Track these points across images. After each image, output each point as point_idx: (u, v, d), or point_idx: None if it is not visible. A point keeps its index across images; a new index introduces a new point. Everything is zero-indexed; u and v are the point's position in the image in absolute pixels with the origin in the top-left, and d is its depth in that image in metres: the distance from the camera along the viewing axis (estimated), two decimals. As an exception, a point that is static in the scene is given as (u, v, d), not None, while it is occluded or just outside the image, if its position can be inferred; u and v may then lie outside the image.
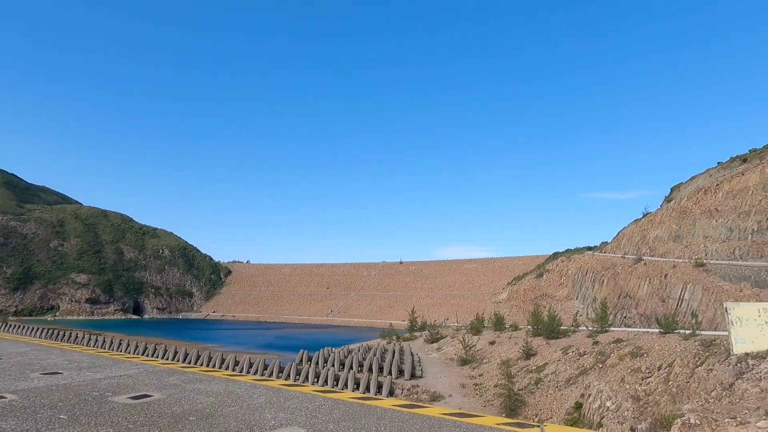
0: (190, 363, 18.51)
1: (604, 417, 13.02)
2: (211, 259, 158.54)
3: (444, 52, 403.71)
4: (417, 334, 42.70)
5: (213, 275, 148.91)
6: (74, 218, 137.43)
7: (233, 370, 18.90)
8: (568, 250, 63.93)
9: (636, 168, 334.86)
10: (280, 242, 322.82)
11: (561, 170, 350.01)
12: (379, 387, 19.86)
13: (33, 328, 19.58)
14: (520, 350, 24.74)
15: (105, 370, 7.01)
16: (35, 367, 6.81)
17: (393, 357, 25.12)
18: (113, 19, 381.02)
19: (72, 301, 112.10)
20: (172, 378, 6.72)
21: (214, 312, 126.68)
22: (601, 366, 16.54)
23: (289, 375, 21.26)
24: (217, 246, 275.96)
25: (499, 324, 37.41)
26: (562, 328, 27.85)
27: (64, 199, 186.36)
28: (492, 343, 29.96)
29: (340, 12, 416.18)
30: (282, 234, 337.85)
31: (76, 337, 16.83)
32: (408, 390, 20.65)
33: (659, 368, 12.70)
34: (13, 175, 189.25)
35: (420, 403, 12.77)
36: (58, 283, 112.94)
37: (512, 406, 16.43)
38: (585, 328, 28.14)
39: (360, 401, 6.36)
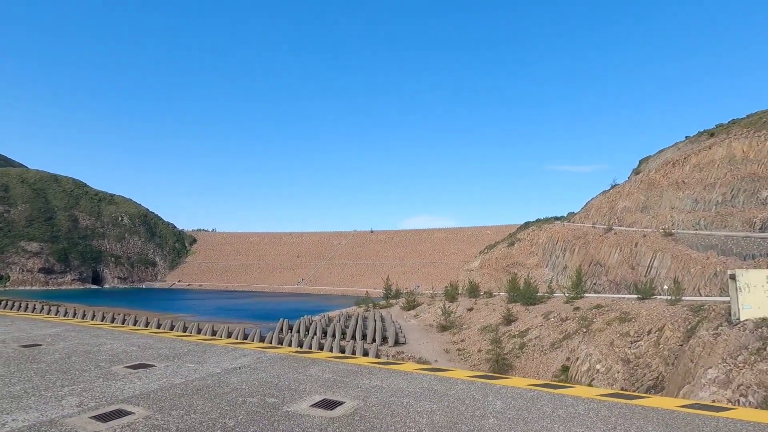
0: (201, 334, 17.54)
1: (594, 379, 13.25)
2: (175, 227, 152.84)
3: (414, 28, 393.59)
4: (393, 301, 43.01)
5: (177, 244, 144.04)
6: (20, 182, 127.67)
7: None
8: (538, 220, 65.53)
9: (595, 143, 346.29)
10: (247, 211, 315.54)
11: (522, 144, 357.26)
12: (365, 353, 19.60)
13: (5, 302, 17.57)
14: (501, 316, 25.12)
15: (204, 358, 5.82)
16: (102, 357, 5.66)
17: (375, 324, 24.96)
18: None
19: (23, 270, 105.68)
20: (326, 370, 5.53)
21: (179, 281, 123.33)
22: (585, 331, 16.86)
23: (271, 342, 20.56)
24: (180, 214, 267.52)
25: (473, 291, 38.08)
26: (538, 294, 28.52)
27: (7, 162, 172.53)
28: (470, 309, 30.41)
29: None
30: (249, 202, 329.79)
31: (65, 312, 15.20)
32: (393, 357, 20.54)
33: (648, 332, 12.95)
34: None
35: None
36: (6, 252, 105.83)
37: (500, 369, 16.59)
38: (561, 294, 28.89)
39: (379, 365, 5.92)
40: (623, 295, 24.82)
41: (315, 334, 22.60)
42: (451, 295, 38.90)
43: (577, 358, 14.93)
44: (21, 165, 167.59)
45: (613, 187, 53.72)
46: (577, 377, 14.38)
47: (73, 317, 13.20)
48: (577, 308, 21.18)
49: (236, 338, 17.36)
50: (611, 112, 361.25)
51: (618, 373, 12.94)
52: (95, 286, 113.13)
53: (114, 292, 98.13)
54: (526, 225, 67.52)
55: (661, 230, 35.68)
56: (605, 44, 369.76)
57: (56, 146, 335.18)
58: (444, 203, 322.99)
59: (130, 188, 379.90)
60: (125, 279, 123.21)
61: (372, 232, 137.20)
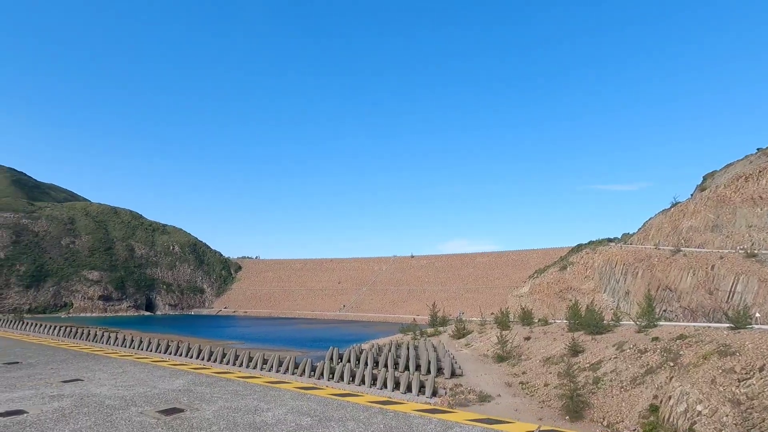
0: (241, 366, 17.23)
1: (695, 423, 11.48)
2: (221, 255, 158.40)
3: (447, 50, 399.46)
4: (441, 329, 41.35)
5: (223, 271, 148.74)
6: (84, 215, 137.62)
7: (277, 370, 17.57)
8: (591, 242, 62.15)
9: (641, 160, 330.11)
10: (288, 238, 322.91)
11: (562, 164, 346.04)
12: (421, 387, 18.43)
13: (72, 330, 17.96)
14: (565, 346, 23.10)
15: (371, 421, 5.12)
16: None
17: (428, 354, 23.68)
18: (118, 16, 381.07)
19: (85, 298, 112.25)
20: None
21: (225, 308, 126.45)
22: (672, 365, 14.95)
23: (322, 374, 19.86)
24: (226, 242, 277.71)
25: (527, 318, 35.87)
26: (603, 323, 26.24)
27: (73, 197, 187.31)
28: (527, 338, 28.45)
29: (357, 12, 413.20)
30: (290, 230, 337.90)
31: (132, 341, 15.08)
32: (451, 389, 19.18)
33: (761, 369, 11.12)
34: (22, 173, 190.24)
35: (500, 418, 11.38)
36: (71, 280, 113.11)
37: (575, 407, 14.90)
38: (630, 322, 26.46)
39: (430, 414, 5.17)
40: (708, 324, 22.23)
41: (366, 364, 21.61)
42: (504, 322, 36.79)
43: (669, 397, 13.09)
44: (85, 199, 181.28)
45: (674, 205, 50.14)
46: (671, 419, 12.55)
47: (177, 354, 13.05)
48: (655, 338, 19.04)
49: (306, 372, 16.82)
50: (656, 128, 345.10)
51: (727, 416, 11.11)
52: (148, 313, 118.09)
53: (165, 319, 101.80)
54: (579, 248, 64.27)
55: (740, 251, 32.28)
56: (643, 56, 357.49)
57: (115, 181, 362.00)
58: (482, 226, 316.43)
59: (180, 218, 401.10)
60: (175, 306, 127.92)
61: (412, 257, 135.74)
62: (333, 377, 18.94)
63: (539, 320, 36.72)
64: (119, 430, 4.50)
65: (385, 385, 17.95)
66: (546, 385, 18.87)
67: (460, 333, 35.59)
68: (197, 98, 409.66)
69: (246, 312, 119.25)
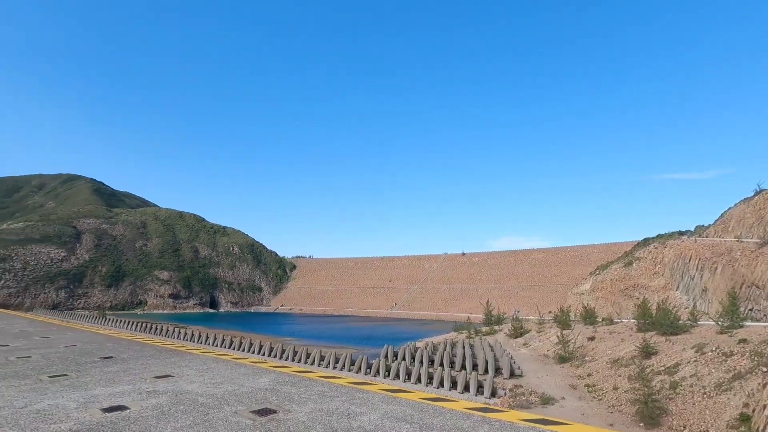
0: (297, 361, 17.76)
1: (798, 436, 10.17)
2: (277, 254, 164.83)
3: (486, 45, 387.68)
4: (496, 327, 40.19)
5: (279, 270, 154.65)
6: (155, 220, 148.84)
7: (334, 367, 17.88)
8: (660, 236, 57.49)
9: (715, 145, 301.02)
10: (340, 237, 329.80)
11: (624, 153, 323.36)
12: (479, 387, 17.94)
13: (153, 326, 19.12)
14: (635, 347, 21.57)
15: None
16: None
17: (484, 353, 23.03)
18: (171, 24, 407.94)
19: (157, 296, 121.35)
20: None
21: (282, 306, 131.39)
22: (766, 370, 13.40)
23: (378, 371, 19.89)
24: (281, 242, 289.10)
25: (590, 317, 33.97)
26: (679, 322, 24.20)
27: (144, 203, 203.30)
28: (591, 338, 26.88)
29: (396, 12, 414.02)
30: (342, 229, 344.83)
31: (244, 345, 15.55)
32: (511, 390, 18.49)
33: None
34: (101, 182, 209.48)
35: (555, 418, 10.74)
36: (145, 280, 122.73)
37: (651, 414, 13.78)
38: (710, 322, 24.23)
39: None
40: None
41: (422, 362, 21.40)
42: (564, 321, 35.07)
43: (765, 406, 11.75)
44: (155, 205, 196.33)
45: (758, 193, 44.96)
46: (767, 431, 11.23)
47: (261, 354, 13.59)
48: (743, 340, 17.26)
49: (362, 369, 16.92)
50: (731, 108, 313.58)
51: (839, 430, 9.73)
52: (212, 310, 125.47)
53: (228, 316, 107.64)
54: (646, 242, 59.71)
55: None
56: (713, 32, 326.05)
57: (180, 187, 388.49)
58: (534, 222, 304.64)
59: (238, 220, 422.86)
60: (236, 303, 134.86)
61: (464, 254, 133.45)
62: (389, 375, 18.94)
63: (603, 319, 34.63)
64: (218, 430, 4.56)
65: (441, 384, 17.67)
66: (615, 388, 17.68)
67: (517, 332, 34.39)
68: (249, 102, 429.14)
69: (301, 309, 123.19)
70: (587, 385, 19.70)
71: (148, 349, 9.02)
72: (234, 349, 14.37)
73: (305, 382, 6.50)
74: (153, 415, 4.42)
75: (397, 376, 18.44)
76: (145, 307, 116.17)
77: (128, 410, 4.62)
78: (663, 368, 17.87)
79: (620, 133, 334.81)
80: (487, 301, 41.83)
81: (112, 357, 8.09)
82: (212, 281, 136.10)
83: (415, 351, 23.74)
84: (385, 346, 24.40)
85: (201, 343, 13.96)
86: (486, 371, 20.12)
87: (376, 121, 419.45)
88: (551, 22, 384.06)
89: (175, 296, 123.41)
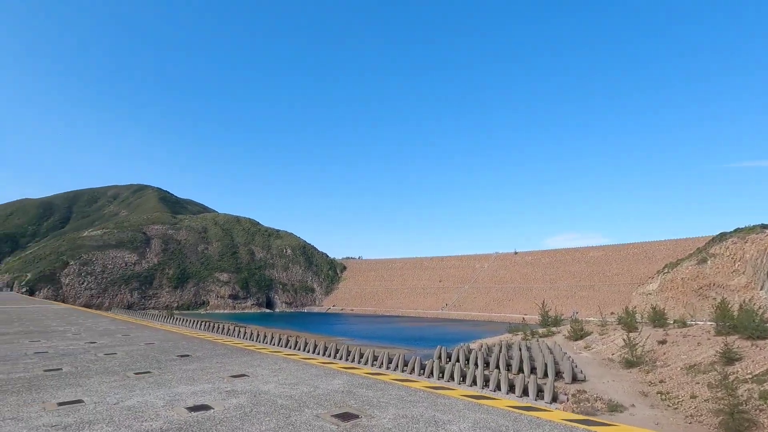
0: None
1: None
2: (327, 256, 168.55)
3: (546, 41, 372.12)
4: (554, 329, 38.36)
5: (330, 271, 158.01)
6: (214, 225, 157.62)
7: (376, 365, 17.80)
8: (738, 230, 51.89)
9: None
10: (388, 237, 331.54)
11: (693, 141, 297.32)
12: (539, 390, 17.01)
13: (224, 327, 19.54)
14: (715, 353, 19.61)
15: None
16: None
17: (543, 356, 21.92)
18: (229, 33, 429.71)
19: (218, 297, 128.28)
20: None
21: (334, 306, 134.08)
22: None
23: (431, 373, 19.48)
24: (331, 243, 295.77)
25: (659, 319, 31.48)
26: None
27: (205, 209, 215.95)
28: (662, 342, 24.85)
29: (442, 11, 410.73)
30: (390, 229, 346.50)
31: (297, 344, 15.68)
32: (574, 396, 17.43)
33: None
34: (166, 191, 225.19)
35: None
36: (206, 281, 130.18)
37: (737, 426, 12.39)
38: (806, 325, 21.50)
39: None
40: None
41: (476, 364, 20.76)
42: (630, 323, 32.78)
43: None
44: (214, 210, 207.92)
45: None
46: None
47: (327, 355, 13.87)
48: None
49: (416, 370, 16.71)
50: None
51: None
52: (268, 310, 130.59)
53: (283, 315, 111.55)
54: (722, 237, 54.28)
55: None
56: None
57: (237, 192, 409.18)
58: (592, 218, 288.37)
59: (290, 223, 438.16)
60: (290, 304, 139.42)
61: (516, 253, 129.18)
62: (443, 376, 18.54)
63: (675, 321, 31.98)
64: (303, 435, 4.52)
65: (498, 387, 17.02)
66: (693, 397, 16.13)
67: (577, 334, 32.55)
68: (299, 109, 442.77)
69: (353, 310, 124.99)
70: (660, 393, 18.15)
71: (219, 348, 9.34)
72: (300, 350, 14.50)
73: (380, 385, 6.28)
74: (237, 416, 4.44)
75: (452, 378, 18.01)
76: (208, 307, 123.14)
77: (212, 410, 4.66)
78: (750, 376, 16.05)
79: (688, 117, 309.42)
80: (543, 301, 40.02)
81: (188, 355, 8.36)
82: (268, 282, 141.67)
83: (469, 352, 23.11)
84: (438, 347, 23.97)
85: (268, 343, 14.23)
86: (545, 375, 19.16)
87: (424, 120, 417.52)
88: (631, 14, 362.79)
89: (234, 297, 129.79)
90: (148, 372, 6.55)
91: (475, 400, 5.87)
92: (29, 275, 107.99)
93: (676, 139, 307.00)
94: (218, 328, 20.85)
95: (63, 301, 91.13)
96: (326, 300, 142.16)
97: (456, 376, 17.68)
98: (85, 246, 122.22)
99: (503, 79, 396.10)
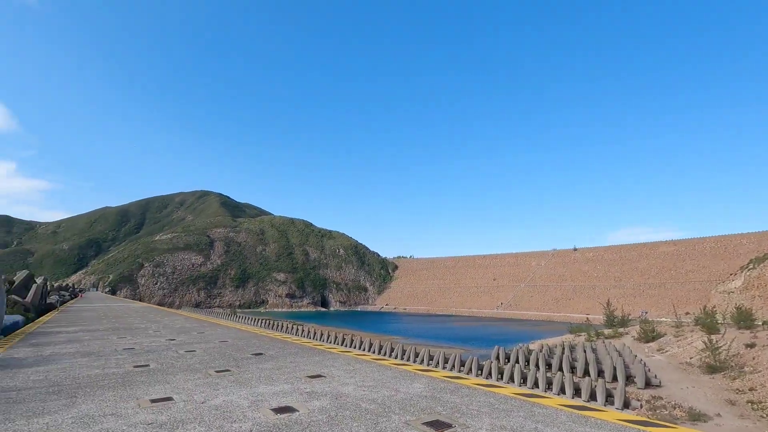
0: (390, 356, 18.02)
1: None
2: (379, 255, 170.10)
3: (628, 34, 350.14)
4: (621, 330, 36.07)
5: (382, 270, 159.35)
6: (271, 227, 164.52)
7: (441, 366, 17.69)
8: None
9: None
10: (440, 236, 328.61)
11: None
12: (609, 395, 16.07)
13: (280, 325, 19.51)
14: (817, 358, 17.52)
15: None
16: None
17: (611, 359, 20.74)
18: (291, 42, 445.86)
19: (276, 296, 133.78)
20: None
21: (386, 305, 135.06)
22: None
23: (490, 373, 19.02)
24: (383, 243, 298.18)
25: (746, 319, 28.58)
26: None
27: (262, 212, 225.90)
28: (750, 345, 22.58)
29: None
30: (441, 228, 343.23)
31: (363, 344, 14.94)
32: (648, 402, 16.32)
33: None
34: (227, 196, 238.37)
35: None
36: (265, 281, 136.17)
37: None
38: None
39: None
40: None
41: (537, 366, 20.03)
42: (710, 324, 30.11)
43: None
44: (270, 213, 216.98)
45: None
46: None
47: (405, 358, 13.84)
48: None
49: (473, 371, 16.49)
50: None
51: None
52: (323, 309, 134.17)
53: (338, 314, 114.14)
54: (820, 228, 47.89)
55: None
56: None
57: (291, 195, 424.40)
58: (661, 210, 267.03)
59: (342, 224, 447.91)
60: (344, 302, 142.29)
61: (575, 250, 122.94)
62: (502, 378, 18.06)
63: (764, 323, 28.93)
64: (396, 444, 4.42)
65: (562, 391, 16.30)
66: (792, 407, 14.45)
67: (648, 336, 30.37)
68: (349, 112, 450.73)
69: (405, 309, 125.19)
70: (751, 402, 16.49)
71: (289, 347, 9.58)
72: (374, 352, 14.56)
73: (464, 390, 6.02)
74: (323, 420, 4.37)
75: (511, 379, 17.51)
76: (267, 306, 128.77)
77: (297, 412, 4.64)
78: None
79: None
80: (608, 300, 37.77)
81: (262, 354, 8.59)
82: (322, 282, 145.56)
83: (529, 353, 22.34)
84: (496, 347, 23.36)
85: (338, 344, 14.34)
86: (613, 378, 18.08)
87: (474, 119, 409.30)
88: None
89: (291, 296, 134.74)
90: (228, 370, 6.76)
91: (578, 411, 5.37)
92: (111, 276, 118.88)
93: (760, 118, 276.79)
94: (280, 326, 21.61)
95: (140, 300, 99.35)
96: (379, 299, 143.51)
97: (516, 377, 17.16)
98: (157, 249, 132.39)
99: (564, 72, 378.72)
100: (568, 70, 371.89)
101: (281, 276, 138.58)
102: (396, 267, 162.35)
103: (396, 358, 16.02)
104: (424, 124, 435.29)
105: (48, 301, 31.37)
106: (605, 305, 41.58)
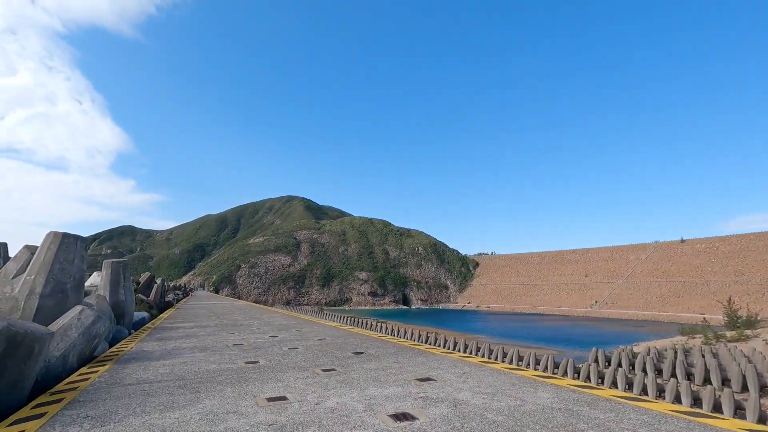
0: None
1: None
2: (459, 252, 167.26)
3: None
4: (748, 332, 31.36)
5: (462, 268, 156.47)
6: (351, 227, 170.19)
7: (517, 363, 16.85)
8: None
9: None
10: (522, 231, 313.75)
11: None
12: (738, 407, 14.06)
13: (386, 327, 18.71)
14: None
15: None
16: None
17: (738, 366, 18.15)
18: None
19: (358, 294, 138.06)
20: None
21: (468, 303, 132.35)
22: None
23: (588, 377, 17.70)
24: (462, 240, 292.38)
25: None
26: None
27: (342, 213, 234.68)
28: None
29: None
30: (523, 223, 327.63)
31: (470, 348, 13.98)
32: (791, 419, 13.95)
33: None
34: (310, 200, 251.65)
35: None
36: (348, 280, 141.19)
37: None
38: None
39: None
40: None
41: (645, 371, 18.21)
42: None
43: None
44: (350, 214, 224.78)
45: None
46: None
47: (519, 363, 12.93)
48: None
49: (569, 374, 15.49)
50: None
51: None
52: (405, 307, 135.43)
53: (420, 312, 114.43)
54: None
55: None
56: None
57: (369, 196, 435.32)
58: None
59: (420, 222, 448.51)
60: (425, 300, 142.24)
61: (683, 241, 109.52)
62: (602, 383, 16.70)
63: None
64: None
65: (678, 400, 14.60)
66: None
67: (785, 340, 26.03)
68: (430, 115, 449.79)
69: (489, 307, 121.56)
70: None
71: (388, 346, 9.53)
72: (482, 355, 14.04)
73: (603, 403, 4.99)
74: None
75: (614, 384, 16.10)
76: (351, 304, 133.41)
77: (417, 421, 4.22)
78: None
79: None
80: (729, 298, 33.05)
81: (362, 353, 8.60)
82: (403, 280, 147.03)
83: (634, 357, 20.39)
84: (594, 348, 21.71)
85: (438, 345, 13.92)
86: (743, 388, 15.76)
87: (564, 112, 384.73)
88: None
89: (373, 294, 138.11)
90: (333, 369, 6.86)
91: (691, 419, 4.51)
92: (214, 277, 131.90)
93: None
94: (370, 324, 22.11)
95: (239, 298, 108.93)
96: (460, 297, 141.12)
97: (620, 382, 15.74)
98: (251, 252, 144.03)
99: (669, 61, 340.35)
100: (677, 60, 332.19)
101: (363, 275, 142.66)
102: (477, 264, 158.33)
103: (483, 356, 15.46)
104: (502, 118, 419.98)
105: (166, 299, 35.66)
106: (726, 303, 36.50)
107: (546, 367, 17.73)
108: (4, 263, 13.09)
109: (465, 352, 15.12)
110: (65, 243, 9.49)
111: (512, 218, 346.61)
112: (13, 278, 10.51)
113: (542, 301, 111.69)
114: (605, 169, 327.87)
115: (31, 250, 12.25)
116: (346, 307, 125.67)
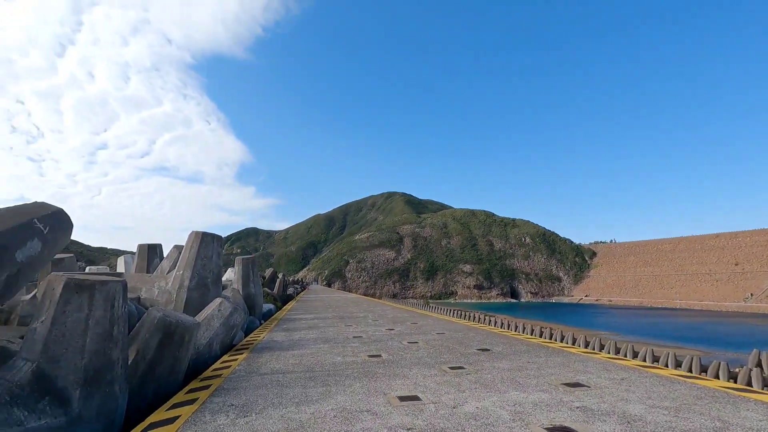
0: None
1: None
2: (572, 242, 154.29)
3: None
4: None
5: (577, 258, 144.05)
6: (453, 220, 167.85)
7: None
8: None
9: None
10: (646, 215, 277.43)
11: None
12: None
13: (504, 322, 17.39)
14: None
15: None
16: None
17: None
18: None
19: (464, 287, 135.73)
20: None
21: (586, 296, 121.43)
22: None
23: (750, 382, 14.56)
24: (574, 229, 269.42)
25: None
26: None
27: (442, 206, 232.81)
28: None
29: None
30: (651, 206, 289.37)
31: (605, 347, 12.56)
32: None
33: None
34: (410, 195, 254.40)
35: None
36: (452, 273, 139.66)
37: None
38: None
39: None
40: None
41: None
42: None
43: None
44: (450, 207, 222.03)
45: None
46: None
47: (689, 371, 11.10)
48: None
49: (721, 377, 12.96)
50: None
51: None
52: (513, 300, 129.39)
53: (530, 306, 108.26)
54: None
55: None
56: None
57: (469, 187, 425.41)
58: None
59: (525, 211, 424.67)
60: (536, 293, 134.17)
61: None
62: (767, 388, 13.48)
63: None
64: None
65: None
66: None
67: None
68: (531, 103, 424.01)
69: (610, 300, 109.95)
70: None
71: (515, 343, 8.71)
72: (643, 359, 11.91)
73: None
74: None
75: (750, 382, 12.84)
76: (456, 297, 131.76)
77: None
78: None
79: None
80: None
81: (488, 350, 7.94)
82: (510, 272, 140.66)
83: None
84: (755, 350, 17.81)
85: (579, 344, 12.19)
86: None
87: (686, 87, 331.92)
88: None
89: (479, 287, 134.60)
90: (462, 368, 6.38)
91: None
92: (326, 272, 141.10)
93: None
94: (480, 318, 21.20)
95: (349, 291, 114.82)
96: (576, 289, 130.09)
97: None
98: (358, 247, 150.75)
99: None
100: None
101: (467, 267, 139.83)
102: (594, 254, 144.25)
103: (609, 353, 13.44)
104: (618, 94, 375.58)
105: (287, 292, 38.88)
106: None
107: (691, 369, 14.97)
108: (161, 261, 15.19)
109: (616, 354, 13.17)
110: (205, 241, 10.52)
111: (629, 204, 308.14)
112: (167, 273, 12.04)
113: (677, 294, 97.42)
114: (750, 139, 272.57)
115: (179, 249, 13.91)
116: (452, 300, 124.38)
